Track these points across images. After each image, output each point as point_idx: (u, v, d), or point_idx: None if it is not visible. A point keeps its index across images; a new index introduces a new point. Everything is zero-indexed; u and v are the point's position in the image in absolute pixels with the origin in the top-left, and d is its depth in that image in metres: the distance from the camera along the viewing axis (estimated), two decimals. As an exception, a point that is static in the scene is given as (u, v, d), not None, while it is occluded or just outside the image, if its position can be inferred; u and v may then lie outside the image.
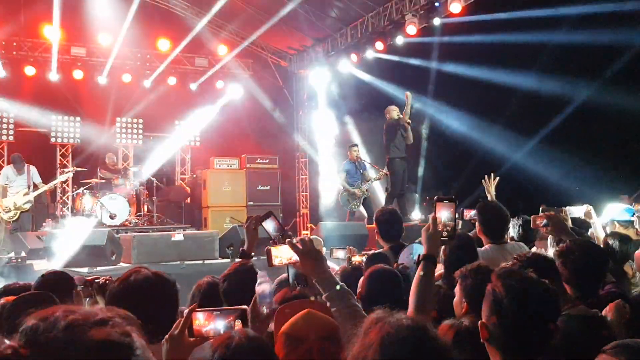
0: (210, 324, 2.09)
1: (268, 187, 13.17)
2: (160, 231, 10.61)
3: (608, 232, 4.67)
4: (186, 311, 2.11)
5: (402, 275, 3.33)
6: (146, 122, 14.32)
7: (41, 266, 7.46)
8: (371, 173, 11.08)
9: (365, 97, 13.79)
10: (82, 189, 11.70)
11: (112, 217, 11.06)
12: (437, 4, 10.85)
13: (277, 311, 2.32)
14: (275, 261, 2.60)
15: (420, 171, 13.19)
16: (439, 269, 3.47)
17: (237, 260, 3.45)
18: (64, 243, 7.60)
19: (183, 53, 14.31)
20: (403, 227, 5.00)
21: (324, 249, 5.51)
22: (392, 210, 5.25)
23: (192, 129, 14.84)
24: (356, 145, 11.19)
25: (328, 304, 2.34)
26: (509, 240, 4.35)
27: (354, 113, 14.72)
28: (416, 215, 11.56)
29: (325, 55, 14.33)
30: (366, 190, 10.82)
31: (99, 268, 7.47)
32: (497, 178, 5.21)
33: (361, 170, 10.88)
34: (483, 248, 4.07)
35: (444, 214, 2.67)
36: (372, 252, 4.50)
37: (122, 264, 8.01)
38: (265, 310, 2.41)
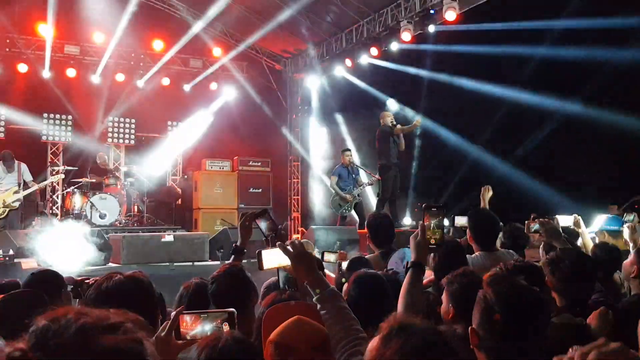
0: (198, 326, 2.07)
1: (260, 190, 13.16)
2: (150, 232, 10.56)
3: (597, 241, 4.69)
4: (173, 313, 2.09)
5: (392, 281, 3.32)
6: (138, 122, 14.27)
7: (29, 265, 7.40)
8: (363, 178, 11.07)
9: (359, 102, 13.82)
10: (72, 188, 11.62)
11: (102, 216, 11.00)
12: (432, 11, 10.88)
13: (264, 315, 2.31)
14: (266, 264, 2.58)
15: (412, 178, 13.23)
16: (429, 275, 3.48)
17: (227, 262, 3.43)
18: (53, 242, 7.55)
19: (177, 54, 14.29)
20: (395, 232, 5.01)
21: (315, 252, 5.50)
22: (384, 215, 5.27)
23: (189, 134, 14.84)
24: (349, 150, 11.19)
25: (318, 307, 2.33)
26: (499, 248, 4.36)
27: (347, 117, 14.75)
28: (407, 221, 11.58)
29: (319, 60, 14.34)
30: (358, 196, 10.82)
31: (87, 268, 7.42)
32: (491, 193, 5.22)
33: (353, 175, 10.87)
34: (473, 255, 4.08)
35: (432, 221, 2.68)
36: (353, 257, 4.49)
37: (111, 264, 7.96)
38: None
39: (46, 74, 13.24)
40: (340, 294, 2.43)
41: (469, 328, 2.02)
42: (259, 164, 13.46)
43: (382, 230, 4.84)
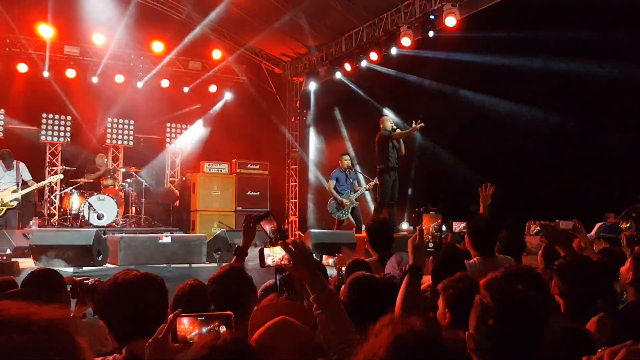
0: (195, 329, 2.07)
1: (257, 193, 13.15)
2: (147, 233, 10.55)
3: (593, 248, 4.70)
4: (170, 316, 2.09)
5: (388, 285, 3.32)
6: (137, 123, 14.28)
7: (27, 264, 7.39)
8: (361, 183, 11.07)
9: (358, 107, 13.83)
10: (70, 188, 11.62)
11: (99, 217, 10.99)
12: (432, 17, 10.89)
13: (251, 315, 2.32)
14: (268, 260, 2.63)
15: (411, 182, 13.23)
16: (427, 280, 3.48)
17: (227, 263, 3.43)
18: (50, 242, 7.54)
19: (177, 56, 14.30)
20: (393, 236, 5.01)
21: (313, 255, 5.49)
22: (383, 219, 5.27)
23: (188, 136, 14.85)
24: (347, 154, 11.20)
25: (314, 307, 2.35)
26: (497, 254, 4.36)
27: (345, 122, 14.76)
28: (405, 226, 11.58)
29: (319, 64, 14.36)
30: (355, 200, 10.82)
31: (85, 268, 7.41)
32: (493, 187, 5.18)
33: (351, 180, 10.88)
34: (472, 261, 4.08)
35: (430, 225, 2.70)
36: (351, 260, 4.50)
37: (108, 265, 7.95)
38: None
39: (46, 74, 13.24)
40: (338, 297, 2.44)
41: (466, 333, 2.02)
42: (257, 167, 13.46)
43: (381, 235, 4.84)
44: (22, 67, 13.19)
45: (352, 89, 13.89)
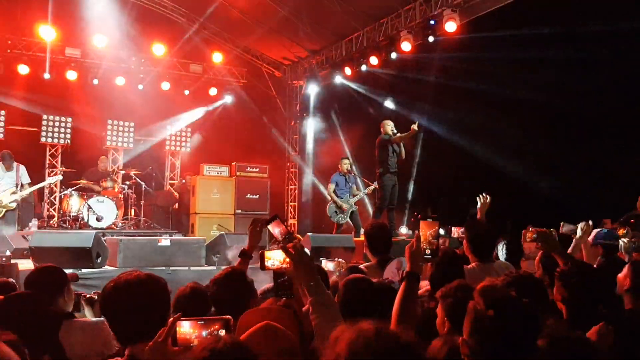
0: (195, 332, 2.08)
1: (257, 196, 13.16)
2: (146, 235, 10.55)
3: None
4: (171, 319, 2.11)
5: (386, 289, 3.34)
6: (137, 125, 14.30)
7: (26, 266, 7.38)
8: (360, 187, 11.07)
9: (358, 111, 13.85)
10: (69, 190, 11.63)
11: (98, 219, 11.00)
12: (432, 22, 10.92)
13: (239, 320, 2.33)
14: (268, 263, 2.65)
15: (411, 187, 13.25)
16: (425, 285, 3.50)
17: (229, 266, 3.45)
18: (50, 243, 7.54)
19: (178, 58, 14.33)
20: (392, 241, 5.03)
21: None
22: (382, 224, 5.29)
23: (187, 139, 14.86)
24: (347, 158, 11.22)
25: (310, 310, 2.38)
26: (495, 259, 4.38)
27: (345, 126, 14.78)
28: (404, 230, 11.58)
29: (319, 67, 14.39)
30: (354, 204, 10.83)
31: (83, 270, 7.40)
32: (489, 198, 5.19)
33: (350, 184, 10.90)
34: (470, 266, 4.10)
35: (427, 232, 2.72)
36: (349, 265, 4.52)
37: (107, 267, 7.94)
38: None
39: (47, 75, 13.25)
40: (334, 301, 2.46)
41: (460, 339, 2.04)
42: (257, 170, 13.47)
43: (380, 239, 4.86)
44: (23, 69, 13.20)
45: (352, 93, 13.91)
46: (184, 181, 14.27)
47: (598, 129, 10.05)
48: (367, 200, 12.63)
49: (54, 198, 13.22)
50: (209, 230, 11.97)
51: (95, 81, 13.75)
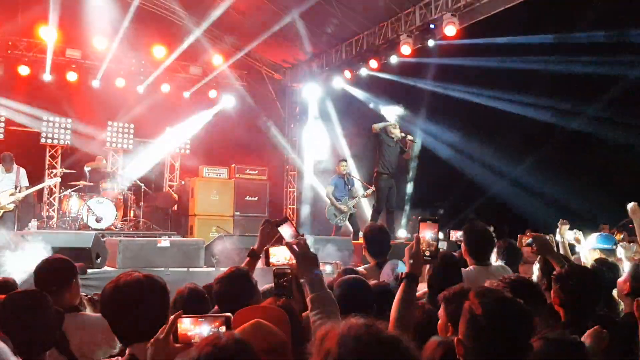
0: (196, 329, 2.11)
1: (256, 198, 13.17)
2: (146, 237, 10.57)
3: (589, 259, 4.74)
4: (172, 317, 2.13)
5: (383, 291, 3.37)
6: (137, 127, 14.31)
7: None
8: (359, 190, 11.10)
9: (357, 114, 13.88)
10: (69, 190, 11.64)
11: (98, 220, 11.01)
12: (432, 26, 10.95)
13: (232, 318, 2.36)
14: (273, 259, 2.69)
15: (409, 190, 13.27)
16: (423, 287, 3.52)
17: (232, 267, 3.47)
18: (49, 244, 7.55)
19: (178, 61, 14.35)
20: (390, 244, 5.05)
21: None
22: (380, 227, 5.31)
23: (182, 136, 14.84)
24: (345, 160, 11.24)
25: (309, 307, 2.41)
26: (493, 263, 4.40)
27: (345, 128, 14.81)
28: (402, 233, 11.61)
29: (319, 71, 14.42)
30: (353, 207, 10.85)
31: (82, 271, 7.42)
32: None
33: (349, 186, 10.92)
34: (467, 269, 4.12)
35: (427, 233, 2.73)
36: (345, 267, 4.54)
37: (106, 268, 7.96)
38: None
39: (47, 77, 13.27)
40: (334, 300, 2.49)
41: (455, 339, 2.07)
42: (256, 172, 13.48)
43: (378, 241, 4.88)
44: (24, 70, 13.24)
45: (352, 96, 13.94)
46: (183, 183, 14.28)
47: (597, 133, 10.09)
48: (366, 203, 12.65)
49: (54, 199, 13.23)
50: (208, 232, 11.98)
51: (96, 82, 13.77)
